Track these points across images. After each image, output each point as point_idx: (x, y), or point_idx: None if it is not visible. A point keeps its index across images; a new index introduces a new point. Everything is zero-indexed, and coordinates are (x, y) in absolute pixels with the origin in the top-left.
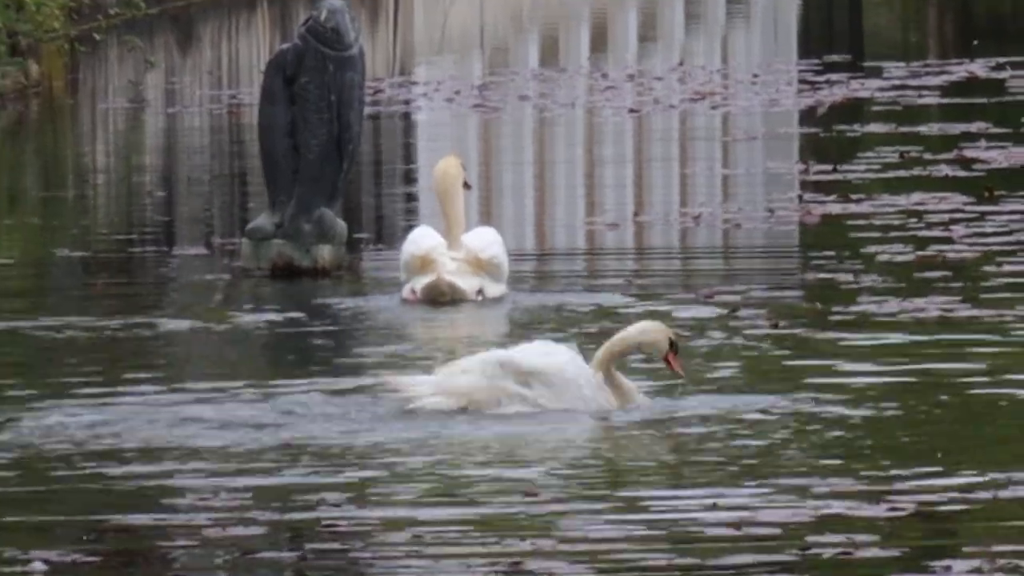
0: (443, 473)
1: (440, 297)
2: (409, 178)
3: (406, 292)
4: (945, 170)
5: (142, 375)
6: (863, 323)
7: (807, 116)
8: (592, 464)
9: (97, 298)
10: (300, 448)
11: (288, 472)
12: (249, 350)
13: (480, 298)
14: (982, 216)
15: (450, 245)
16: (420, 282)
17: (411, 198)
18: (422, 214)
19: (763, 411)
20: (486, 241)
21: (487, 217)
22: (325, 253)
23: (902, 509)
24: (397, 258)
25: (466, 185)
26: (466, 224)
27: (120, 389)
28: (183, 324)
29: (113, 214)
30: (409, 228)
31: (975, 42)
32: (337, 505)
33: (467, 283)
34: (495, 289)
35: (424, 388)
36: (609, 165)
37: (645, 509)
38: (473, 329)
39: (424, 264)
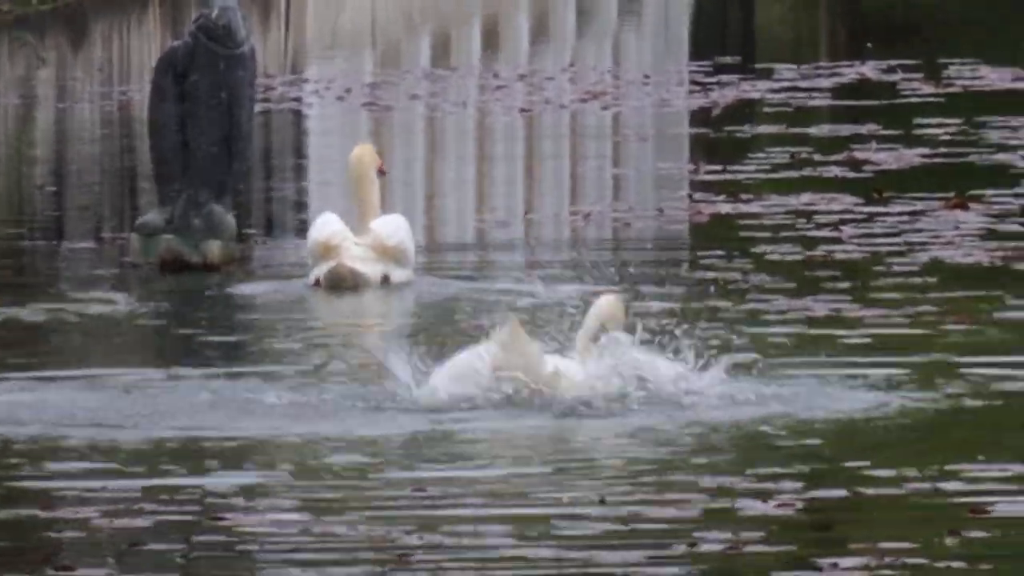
0: (335, 471)
1: (341, 283)
2: (299, 175)
3: (311, 279)
4: (835, 171)
5: (27, 364)
6: (751, 322)
7: (698, 117)
8: (481, 460)
9: None
10: (193, 442)
11: (178, 467)
12: (137, 340)
13: (386, 284)
14: (871, 217)
15: (359, 231)
16: (323, 268)
17: (301, 194)
18: (312, 210)
19: (652, 407)
20: (392, 227)
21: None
22: (214, 248)
23: (789, 506)
24: (287, 252)
25: (381, 172)
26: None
27: (7, 376)
28: (71, 315)
29: (2, 206)
30: (299, 224)
31: (869, 45)
32: (225, 498)
33: (370, 269)
34: (401, 275)
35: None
36: (500, 164)
37: (533, 505)
38: (365, 314)
39: (327, 250)
